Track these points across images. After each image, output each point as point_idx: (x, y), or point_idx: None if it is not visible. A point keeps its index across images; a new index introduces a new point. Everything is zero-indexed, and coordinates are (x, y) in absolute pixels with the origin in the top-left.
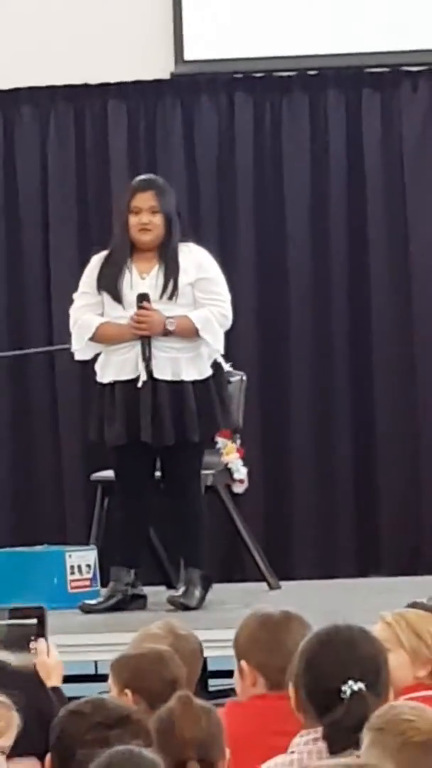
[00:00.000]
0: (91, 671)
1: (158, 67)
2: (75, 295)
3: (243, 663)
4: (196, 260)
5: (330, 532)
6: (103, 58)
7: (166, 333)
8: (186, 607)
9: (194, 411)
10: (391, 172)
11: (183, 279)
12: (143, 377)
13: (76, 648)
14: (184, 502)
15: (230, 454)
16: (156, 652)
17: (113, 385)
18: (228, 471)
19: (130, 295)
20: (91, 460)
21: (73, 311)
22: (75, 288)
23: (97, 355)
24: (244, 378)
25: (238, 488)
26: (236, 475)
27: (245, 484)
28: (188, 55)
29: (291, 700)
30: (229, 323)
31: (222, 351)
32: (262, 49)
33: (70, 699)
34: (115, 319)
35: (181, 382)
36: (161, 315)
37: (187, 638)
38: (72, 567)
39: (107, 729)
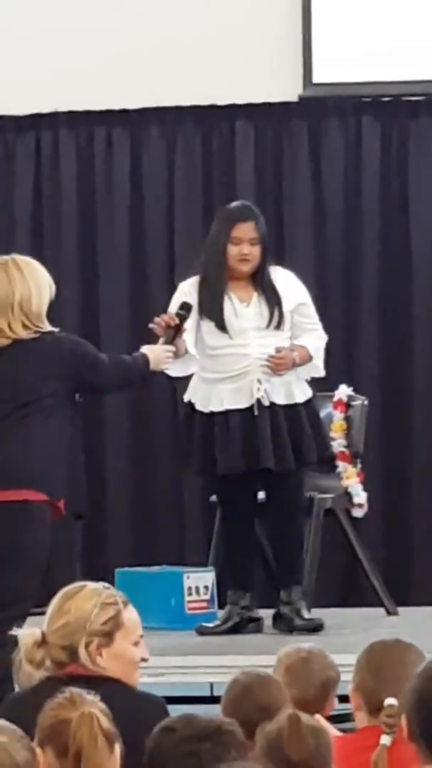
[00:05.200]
0: (207, 693)
1: (286, 89)
2: None
3: (351, 686)
4: (291, 286)
5: None
6: (232, 80)
7: (293, 365)
8: (314, 629)
9: (267, 438)
10: None
11: (286, 307)
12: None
13: (192, 669)
14: (277, 527)
15: (350, 478)
16: (245, 680)
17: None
18: (348, 495)
19: (236, 323)
20: (211, 482)
21: None
22: None
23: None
24: (366, 402)
25: (358, 512)
26: (356, 500)
27: (365, 509)
28: (316, 78)
29: (404, 731)
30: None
31: (323, 373)
32: (391, 73)
33: None
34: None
35: (276, 406)
36: (292, 354)
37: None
38: (189, 588)
39: (198, 742)
